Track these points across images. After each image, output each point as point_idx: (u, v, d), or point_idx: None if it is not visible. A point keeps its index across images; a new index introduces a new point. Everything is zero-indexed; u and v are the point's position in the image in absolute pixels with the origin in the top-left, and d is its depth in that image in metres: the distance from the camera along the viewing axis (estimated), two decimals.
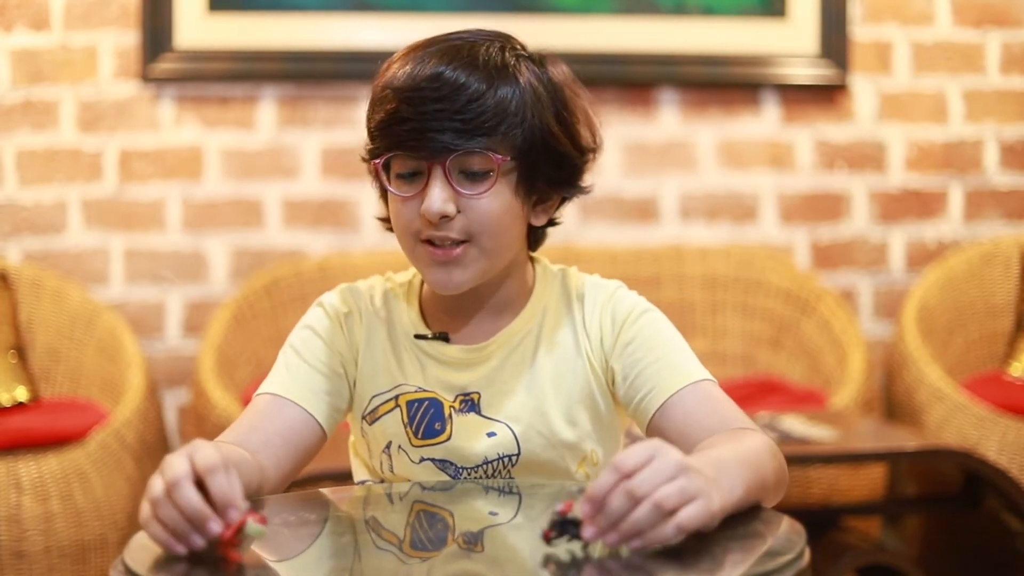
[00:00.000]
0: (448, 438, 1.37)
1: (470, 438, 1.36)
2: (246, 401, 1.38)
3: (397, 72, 1.30)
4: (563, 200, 1.40)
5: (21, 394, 2.80)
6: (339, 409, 1.39)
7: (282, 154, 3.17)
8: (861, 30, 3.30)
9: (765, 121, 3.29)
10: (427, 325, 1.40)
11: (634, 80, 3.22)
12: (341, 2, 3.14)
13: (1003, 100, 3.36)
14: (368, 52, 3.12)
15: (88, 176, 3.11)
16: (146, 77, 3.09)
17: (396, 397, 1.38)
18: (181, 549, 1.02)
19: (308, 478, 1.99)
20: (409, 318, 1.41)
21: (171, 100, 3.13)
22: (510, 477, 1.37)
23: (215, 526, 1.01)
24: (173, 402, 3.14)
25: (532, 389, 1.37)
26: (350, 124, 3.17)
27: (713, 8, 3.23)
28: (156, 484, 1.04)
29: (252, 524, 1.03)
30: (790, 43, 3.25)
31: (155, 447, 2.81)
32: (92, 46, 3.10)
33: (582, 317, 1.39)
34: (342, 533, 1.20)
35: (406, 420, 1.38)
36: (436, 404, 1.37)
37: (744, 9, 3.24)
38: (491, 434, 1.36)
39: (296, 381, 1.36)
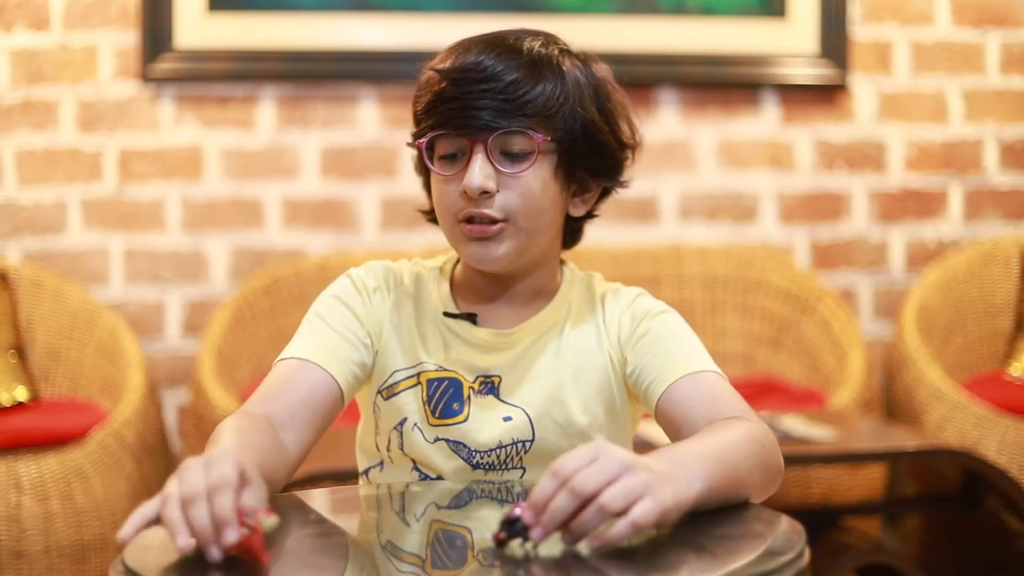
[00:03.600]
0: (465, 419, 1.38)
1: (486, 421, 1.38)
2: (245, 400, 1.37)
3: (445, 59, 1.35)
4: (603, 193, 1.43)
5: (21, 394, 2.80)
6: (358, 378, 1.39)
7: (282, 154, 3.17)
8: (861, 30, 3.30)
9: (765, 121, 3.29)
10: (456, 307, 1.43)
11: (634, 80, 3.21)
12: (341, 2, 3.14)
13: (1003, 100, 3.37)
14: (368, 52, 3.13)
15: (88, 176, 3.11)
16: (146, 77, 3.09)
17: (418, 374, 1.40)
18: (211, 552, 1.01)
19: (308, 478, 1.99)
20: (439, 297, 1.43)
21: (171, 100, 3.13)
22: (522, 466, 1.38)
23: (215, 552, 1.00)
24: (173, 402, 3.14)
25: (552, 378, 1.39)
26: (350, 124, 3.17)
27: (713, 8, 3.23)
28: (173, 490, 1.03)
29: (265, 520, 1.04)
30: (790, 43, 3.25)
31: (155, 447, 2.81)
32: (92, 46, 3.10)
33: (603, 316, 1.43)
34: (362, 562, 1.17)
35: (425, 398, 1.39)
36: (456, 384, 1.39)
37: (744, 9, 3.24)
38: (507, 419, 1.38)
39: (319, 345, 1.36)
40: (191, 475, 1.03)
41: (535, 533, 1.01)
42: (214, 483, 1.02)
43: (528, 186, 1.33)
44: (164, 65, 3.09)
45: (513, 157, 1.32)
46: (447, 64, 1.33)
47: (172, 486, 1.03)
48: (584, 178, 1.39)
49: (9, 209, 3.09)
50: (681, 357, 1.36)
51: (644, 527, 1.01)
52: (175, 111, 3.13)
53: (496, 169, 1.32)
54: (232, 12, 3.11)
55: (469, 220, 1.33)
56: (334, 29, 3.14)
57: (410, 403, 1.40)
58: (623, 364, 1.40)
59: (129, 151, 3.12)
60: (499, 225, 1.33)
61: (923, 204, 3.36)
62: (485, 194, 1.32)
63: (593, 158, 1.37)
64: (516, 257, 1.36)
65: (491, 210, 1.32)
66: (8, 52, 3.07)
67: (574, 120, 1.34)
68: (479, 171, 1.31)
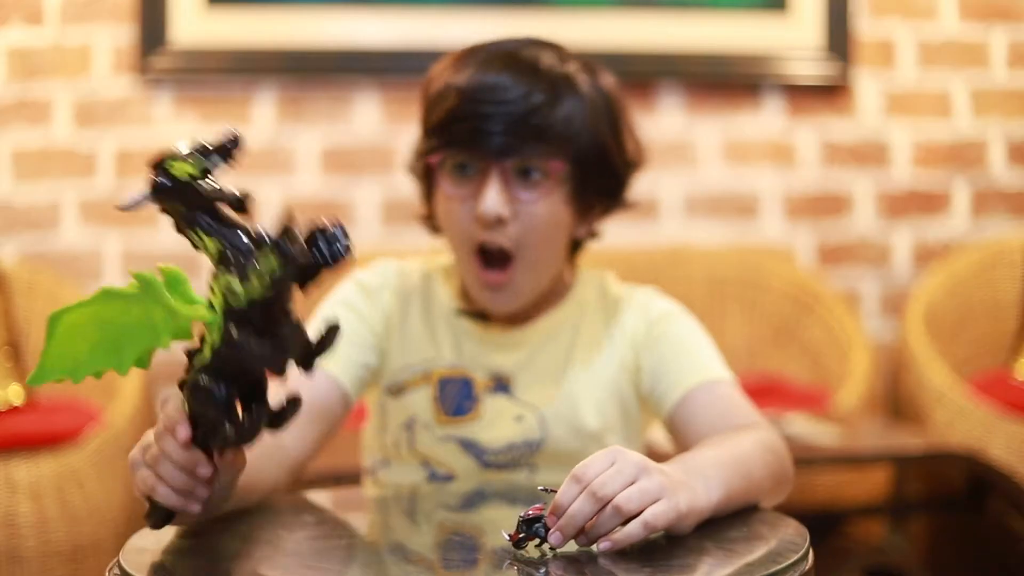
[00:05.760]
0: (477, 418, 1.39)
1: (497, 420, 1.38)
2: None
3: (459, 74, 1.31)
4: (605, 212, 1.43)
5: (15, 395, 2.79)
6: (363, 378, 1.40)
7: (280, 152, 3.15)
8: (865, 26, 3.28)
9: (768, 118, 3.27)
10: (468, 304, 1.43)
11: (636, 77, 3.19)
12: None
13: (1009, 97, 3.35)
14: (367, 49, 3.12)
15: (83, 174, 3.09)
16: (142, 73, 3.07)
17: (429, 373, 1.40)
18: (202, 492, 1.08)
19: (308, 479, 1.97)
20: (448, 295, 1.43)
21: (168, 97, 3.11)
22: (532, 465, 1.38)
23: (204, 468, 1.06)
24: None
25: (565, 379, 1.40)
26: (348, 122, 3.15)
27: (715, 3, 3.21)
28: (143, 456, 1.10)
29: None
30: (793, 39, 3.23)
31: None
32: (88, 42, 3.08)
33: (617, 317, 1.42)
34: (367, 564, 1.16)
35: (436, 396, 1.39)
36: (467, 382, 1.39)
37: (747, 4, 3.22)
38: (519, 418, 1.38)
39: None
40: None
41: (554, 537, 1.02)
42: (156, 431, 1.09)
43: (541, 214, 1.31)
44: (161, 61, 3.07)
45: (528, 182, 1.30)
46: (462, 79, 1.30)
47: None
48: (593, 199, 1.38)
49: (3, 208, 3.08)
50: (696, 364, 1.37)
51: (657, 528, 1.01)
52: (172, 108, 3.11)
53: (512, 194, 1.30)
54: (230, 7, 3.09)
55: (482, 250, 1.32)
56: (333, 25, 3.13)
57: (419, 401, 1.40)
58: (637, 368, 1.40)
59: (125, 149, 3.10)
60: (508, 271, 1.32)
61: (928, 202, 3.34)
62: (500, 221, 1.30)
63: (603, 179, 1.37)
64: (527, 299, 1.36)
65: (504, 237, 1.30)
66: (3, 48, 3.06)
67: (589, 145, 1.33)
68: (494, 197, 1.29)
